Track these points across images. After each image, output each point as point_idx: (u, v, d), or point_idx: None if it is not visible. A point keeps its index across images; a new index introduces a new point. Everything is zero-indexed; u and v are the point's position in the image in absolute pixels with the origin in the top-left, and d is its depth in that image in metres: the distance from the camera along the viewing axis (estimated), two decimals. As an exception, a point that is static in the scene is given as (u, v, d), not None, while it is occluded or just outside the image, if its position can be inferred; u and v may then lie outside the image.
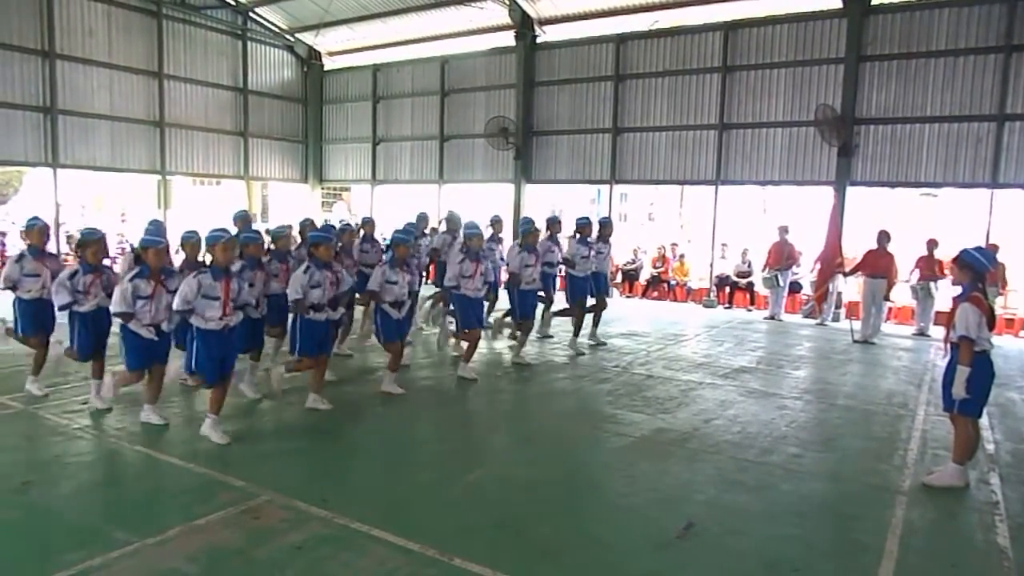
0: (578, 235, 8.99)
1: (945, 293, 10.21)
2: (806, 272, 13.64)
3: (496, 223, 10.26)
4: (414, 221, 9.20)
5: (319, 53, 19.19)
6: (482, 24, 16.23)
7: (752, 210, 25.98)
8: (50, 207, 14.87)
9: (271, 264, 6.89)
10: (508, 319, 8.62)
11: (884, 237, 10.75)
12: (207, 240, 5.35)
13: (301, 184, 19.88)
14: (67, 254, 16.15)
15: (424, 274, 9.29)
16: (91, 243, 5.81)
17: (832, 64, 12.65)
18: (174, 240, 6.96)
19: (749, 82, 13.58)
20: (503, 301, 8.88)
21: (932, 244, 11.42)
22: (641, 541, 3.94)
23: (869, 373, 8.53)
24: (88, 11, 14.66)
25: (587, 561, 3.73)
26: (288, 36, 18.59)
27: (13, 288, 6.12)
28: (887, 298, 10.95)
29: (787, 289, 13.10)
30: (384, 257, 7.47)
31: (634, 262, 16.19)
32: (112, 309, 5.41)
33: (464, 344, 7.87)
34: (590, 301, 9.25)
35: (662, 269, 15.70)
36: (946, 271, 10.70)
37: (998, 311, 8.46)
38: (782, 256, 12.79)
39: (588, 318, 9.34)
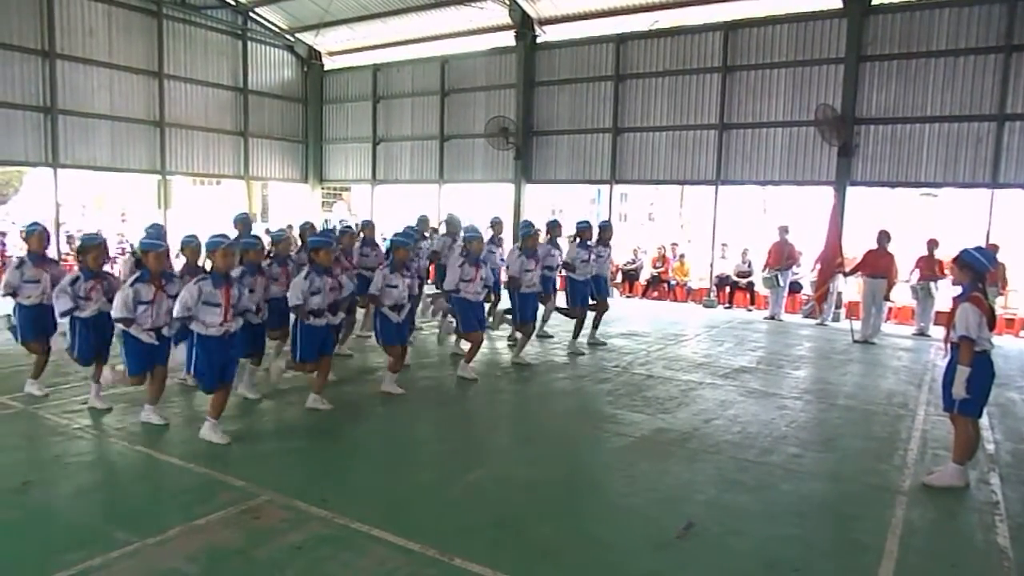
0: (578, 239, 8.99)
1: (945, 293, 10.20)
2: (806, 272, 13.65)
3: (496, 224, 10.26)
4: (414, 224, 9.20)
5: (319, 53, 19.19)
6: (482, 24, 16.23)
7: (752, 210, 26.02)
8: (50, 207, 14.90)
9: (271, 267, 6.89)
10: (508, 315, 8.59)
11: (884, 237, 10.75)
12: (207, 246, 5.34)
13: (301, 184, 19.88)
14: (67, 254, 16.17)
15: (424, 277, 9.28)
16: (92, 248, 5.82)
17: (832, 64, 12.65)
18: (174, 243, 6.97)
19: (749, 82, 13.58)
20: (504, 302, 8.87)
21: (932, 244, 11.43)
22: (641, 541, 3.94)
23: (869, 373, 8.53)
24: (88, 11, 14.67)
25: (587, 561, 3.73)
26: (288, 36, 18.59)
27: (13, 294, 6.13)
28: (887, 298, 10.96)
29: (787, 289, 13.10)
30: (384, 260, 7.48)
31: (634, 262, 16.20)
32: (113, 315, 5.40)
33: (464, 344, 7.87)
34: (590, 302, 9.25)
35: (662, 269, 15.71)
36: (946, 271, 10.70)
37: (998, 311, 8.45)
38: (782, 256, 12.79)
39: (588, 319, 9.33)
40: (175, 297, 5.48)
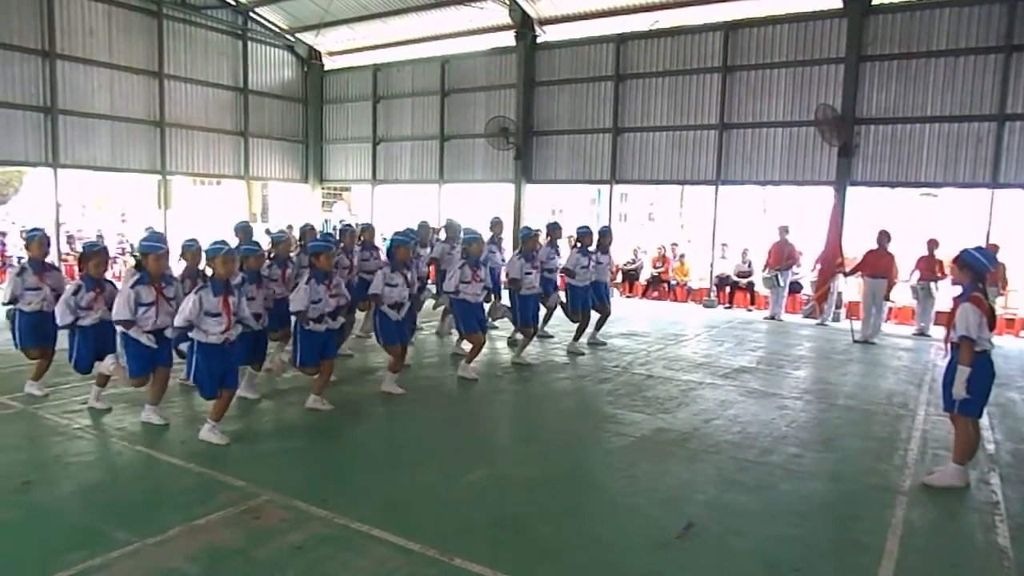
0: (579, 244, 8.99)
1: (945, 293, 10.20)
2: (806, 272, 13.65)
3: (496, 225, 10.27)
4: (415, 228, 9.19)
5: (319, 53, 19.19)
6: (482, 24, 16.23)
7: (752, 210, 26.02)
8: (50, 207, 14.90)
9: (271, 269, 6.89)
10: (507, 309, 8.58)
11: (884, 237, 10.75)
12: (207, 253, 5.33)
13: (301, 184, 19.88)
14: (67, 254, 16.18)
15: (425, 279, 9.31)
16: (93, 256, 5.82)
17: (832, 64, 12.65)
18: (174, 244, 6.96)
19: (749, 82, 13.58)
20: (503, 300, 8.87)
21: (932, 244, 11.42)
22: (641, 541, 3.94)
23: (869, 373, 8.53)
24: (88, 11, 14.66)
25: (587, 561, 3.73)
26: (288, 36, 18.59)
27: (14, 301, 6.15)
28: (887, 298, 10.96)
29: (787, 289, 13.10)
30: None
31: (634, 262, 16.20)
32: (114, 317, 5.40)
33: (465, 344, 7.87)
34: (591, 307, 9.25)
35: (662, 269, 15.71)
36: (946, 271, 10.70)
37: (998, 311, 8.46)
38: (782, 256, 12.79)
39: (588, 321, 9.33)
40: (173, 299, 5.50)
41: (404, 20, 16.69)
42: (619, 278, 15.83)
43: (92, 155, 15.02)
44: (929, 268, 11.29)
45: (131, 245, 17.05)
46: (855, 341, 10.49)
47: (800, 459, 5.34)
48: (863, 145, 12.56)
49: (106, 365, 5.68)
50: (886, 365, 9.04)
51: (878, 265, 10.64)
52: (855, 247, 12.88)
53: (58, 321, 5.68)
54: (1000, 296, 11.15)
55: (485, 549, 3.75)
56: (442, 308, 9.77)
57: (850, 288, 13.18)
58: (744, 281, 14.50)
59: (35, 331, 6.16)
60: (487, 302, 8.14)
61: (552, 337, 9.79)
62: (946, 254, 10.44)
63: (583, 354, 8.93)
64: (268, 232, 10.32)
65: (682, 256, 15.97)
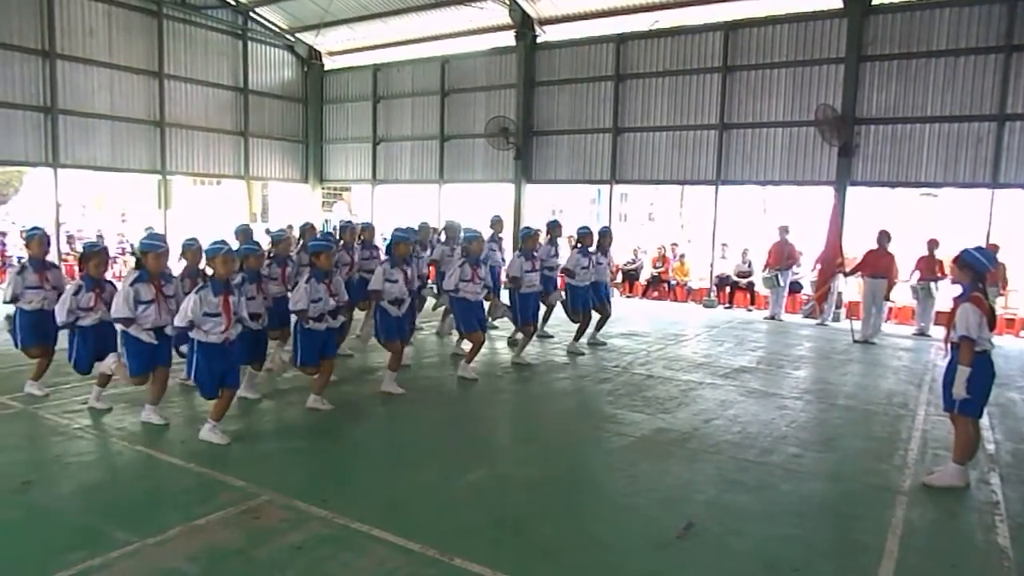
0: (579, 245, 8.99)
1: (945, 293, 10.20)
2: (806, 272, 13.65)
3: (496, 223, 10.27)
4: (416, 229, 9.19)
5: (319, 53, 19.19)
6: (482, 24, 16.23)
7: (752, 210, 26.02)
8: (50, 207, 14.90)
9: (271, 268, 6.89)
10: (507, 307, 8.57)
11: (884, 237, 10.75)
12: (207, 253, 5.33)
13: (301, 184, 19.89)
14: (67, 254, 16.19)
15: (425, 278, 9.32)
16: (93, 256, 5.82)
17: (832, 64, 12.65)
18: (174, 244, 6.96)
19: (749, 82, 13.58)
20: (503, 299, 8.87)
21: (932, 244, 11.42)
22: (641, 541, 3.94)
23: (869, 373, 8.53)
24: (88, 11, 14.67)
25: (587, 561, 3.73)
26: (288, 36, 18.59)
27: (15, 300, 6.15)
28: (887, 298, 10.95)
29: (787, 289, 13.10)
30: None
31: (634, 262, 16.20)
32: (113, 314, 5.41)
33: (465, 344, 7.87)
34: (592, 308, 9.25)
35: (662, 269, 15.71)
36: (946, 271, 10.70)
37: (999, 311, 8.46)
38: (782, 256, 12.79)
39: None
40: (172, 297, 5.50)
41: (404, 20, 16.70)
42: (619, 278, 15.83)
43: (92, 155, 15.02)
44: (929, 268, 11.29)
45: (131, 245, 17.04)
46: (855, 341, 10.49)
47: (800, 459, 5.34)
48: (863, 145, 12.56)
49: (107, 364, 5.67)
50: (886, 365, 9.04)
51: (878, 265, 10.64)
52: (855, 247, 12.88)
53: (58, 320, 5.68)
54: (1000, 296, 11.15)
55: (485, 549, 3.75)
56: (442, 309, 9.77)
57: (850, 288, 13.18)
58: (744, 281, 14.50)
59: (36, 330, 6.16)
60: (487, 300, 8.15)
61: (552, 337, 9.79)
62: (946, 254, 10.44)
63: (583, 354, 8.93)
64: (268, 232, 10.32)
65: (682, 256, 15.97)
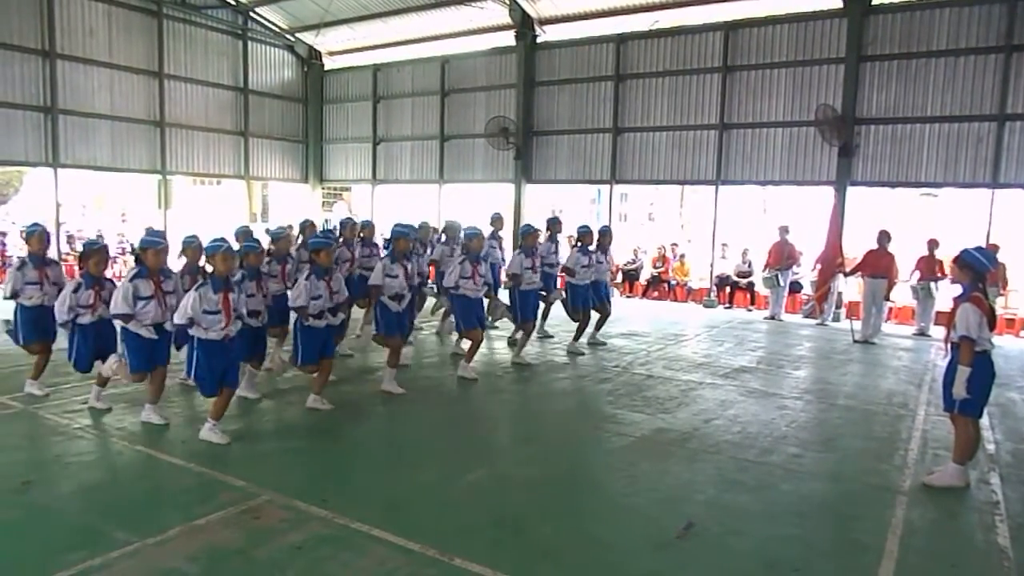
0: (579, 243, 8.99)
1: (945, 293, 10.20)
2: (806, 272, 13.65)
3: (496, 220, 10.27)
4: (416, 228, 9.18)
5: (319, 53, 19.19)
6: (482, 24, 16.23)
7: (752, 210, 26.01)
8: (50, 207, 14.90)
9: (271, 265, 6.89)
10: (507, 308, 8.58)
11: (884, 237, 10.75)
12: (207, 250, 5.34)
13: (301, 184, 19.89)
14: (67, 254, 16.18)
15: (425, 276, 9.32)
16: (93, 254, 5.81)
17: (832, 64, 12.65)
18: (174, 243, 6.97)
19: (749, 82, 13.58)
20: (503, 299, 8.87)
21: (932, 244, 11.42)
22: (641, 541, 3.94)
23: (869, 373, 8.53)
24: (88, 11, 14.66)
25: (587, 561, 3.73)
26: (288, 36, 18.59)
27: (15, 296, 6.15)
28: (887, 298, 10.95)
29: (787, 289, 13.10)
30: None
31: (634, 262, 16.19)
32: (112, 310, 5.41)
33: (465, 343, 7.87)
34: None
35: (662, 269, 15.70)
36: (946, 271, 10.70)
37: (999, 311, 8.45)
38: (782, 256, 12.79)
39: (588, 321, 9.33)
40: (172, 293, 5.50)
41: (404, 20, 16.70)
42: (619, 278, 15.82)
43: (92, 155, 15.02)
44: (929, 268, 11.29)
45: (131, 245, 17.04)
46: (855, 341, 10.49)
47: (800, 459, 5.34)
48: (863, 145, 12.56)
49: (108, 366, 5.67)
50: (886, 365, 9.04)
51: (878, 265, 10.64)
52: (855, 247, 12.88)
53: (57, 319, 5.68)
54: (1000, 296, 11.15)
55: (485, 549, 3.75)
56: (442, 310, 9.77)
57: (850, 288, 13.18)
58: (744, 281, 14.49)
59: (36, 326, 6.16)
60: (487, 298, 8.17)
61: (552, 337, 9.79)
62: (946, 254, 10.44)
63: (583, 354, 8.93)
64: (268, 232, 10.31)
65: (682, 256, 15.97)
